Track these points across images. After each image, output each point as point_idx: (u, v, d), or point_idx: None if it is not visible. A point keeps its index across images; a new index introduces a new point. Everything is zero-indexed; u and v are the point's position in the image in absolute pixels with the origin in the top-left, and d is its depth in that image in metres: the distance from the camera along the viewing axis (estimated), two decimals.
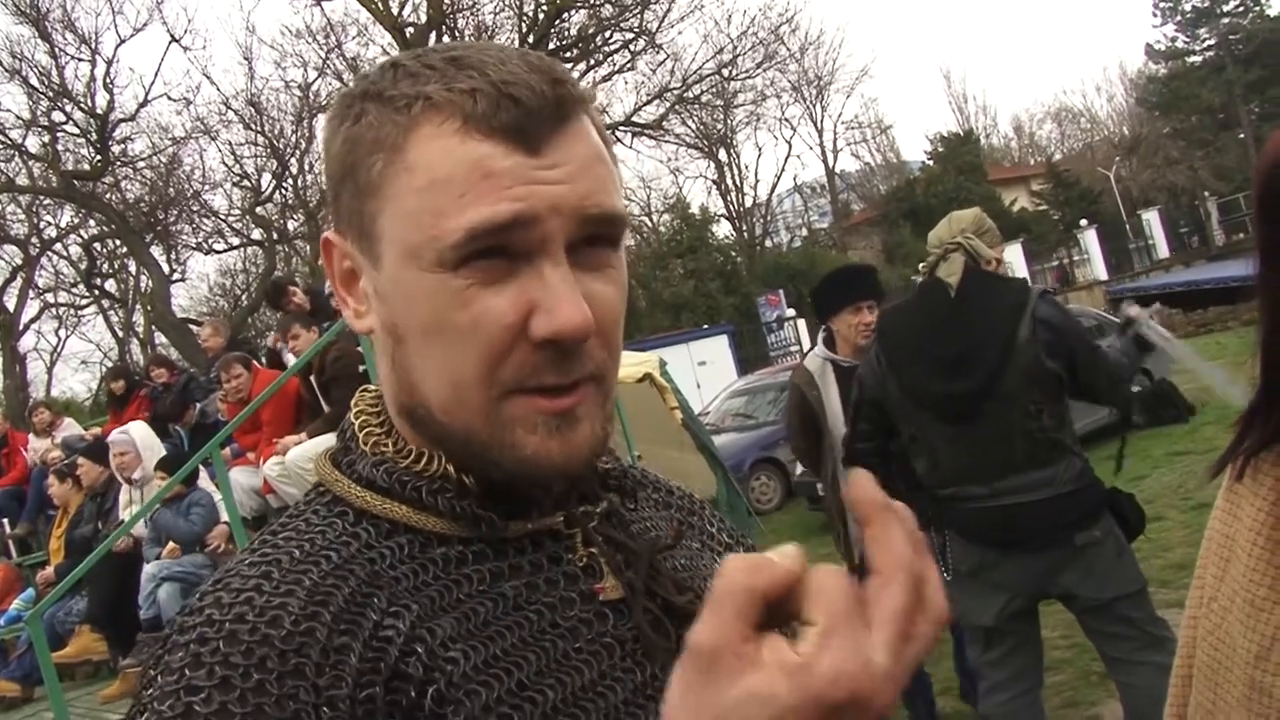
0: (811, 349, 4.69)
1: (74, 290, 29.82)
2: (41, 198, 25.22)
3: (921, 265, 3.33)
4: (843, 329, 4.28)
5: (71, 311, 31.43)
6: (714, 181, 38.99)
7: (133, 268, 28.62)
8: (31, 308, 29.78)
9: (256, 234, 27.43)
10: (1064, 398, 3.12)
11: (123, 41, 24.12)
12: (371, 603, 0.71)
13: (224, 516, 6.03)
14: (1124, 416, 3.45)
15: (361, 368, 5.79)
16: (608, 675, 0.75)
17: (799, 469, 11.49)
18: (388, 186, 0.72)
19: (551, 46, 23.10)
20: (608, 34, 24.62)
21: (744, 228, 38.88)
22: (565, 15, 23.51)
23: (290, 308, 7.33)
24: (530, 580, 0.77)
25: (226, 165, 26.18)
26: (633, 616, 0.78)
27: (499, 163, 0.70)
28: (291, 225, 28.04)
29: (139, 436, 6.59)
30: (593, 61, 24.69)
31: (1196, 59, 42.02)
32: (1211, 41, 41.32)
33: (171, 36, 24.33)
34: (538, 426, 0.73)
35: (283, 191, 27.18)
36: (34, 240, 27.04)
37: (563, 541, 0.80)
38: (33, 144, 23.68)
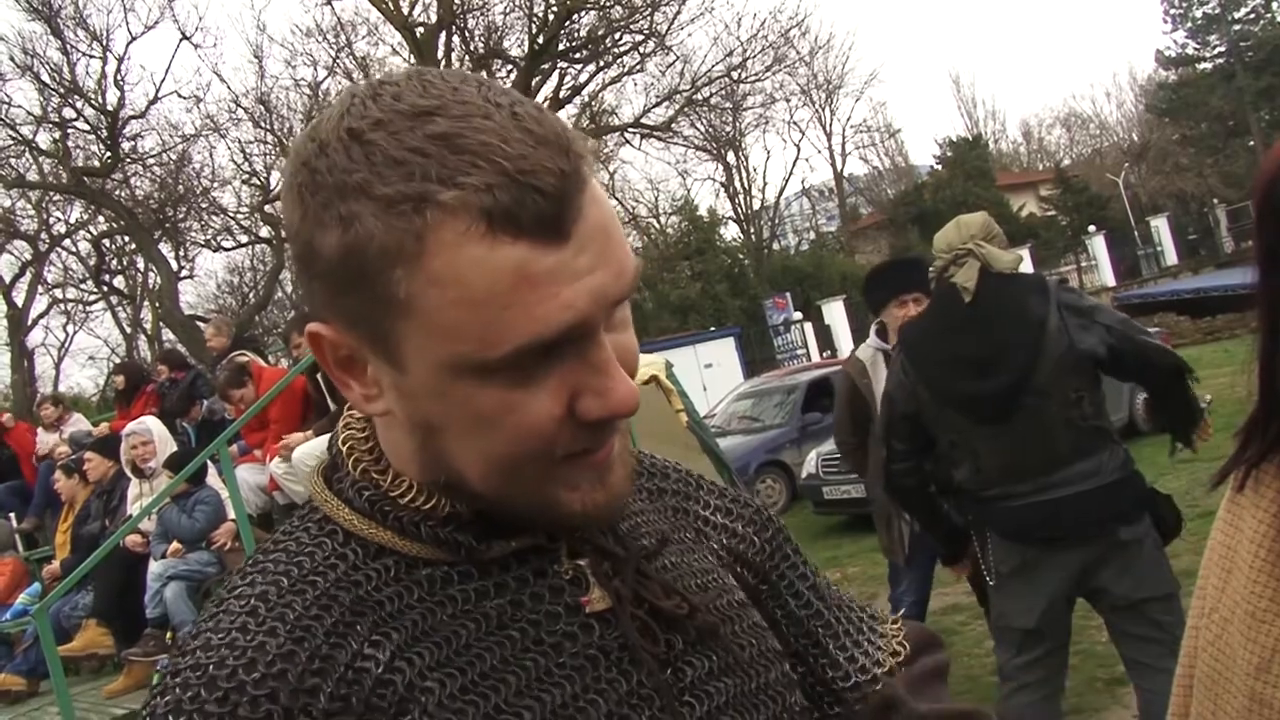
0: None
1: (82, 286, 30.03)
2: (51, 194, 25.33)
3: (930, 271, 3.32)
4: (890, 322, 4.27)
5: (80, 307, 31.65)
6: (722, 184, 39.05)
7: (141, 264, 28.72)
8: (40, 303, 30.01)
9: (265, 232, 27.48)
10: (1100, 385, 3.10)
11: (134, 39, 24.23)
12: (354, 631, 0.72)
13: (230, 514, 6.04)
14: (1178, 402, 3.19)
15: None
16: (591, 688, 0.75)
17: (805, 472, 11.49)
18: (414, 302, 0.66)
19: (561, 48, 23.13)
20: (617, 35, 24.61)
21: (752, 230, 38.88)
22: (575, 16, 23.50)
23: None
24: (515, 598, 0.77)
25: (235, 163, 26.35)
26: (620, 625, 0.78)
27: (538, 265, 0.65)
28: None
29: (156, 428, 6.63)
30: (602, 63, 24.71)
31: (1207, 66, 41.90)
32: (1222, 48, 41.20)
33: (182, 34, 24.45)
34: (581, 483, 0.74)
35: None
36: (43, 236, 27.16)
37: (548, 555, 0.80)
38: (43, 140, 23.81)
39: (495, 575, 0.78)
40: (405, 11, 22.57)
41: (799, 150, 58.57)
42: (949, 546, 3.61)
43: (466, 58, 22.96)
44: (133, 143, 24.40)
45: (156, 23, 24.66)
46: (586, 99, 26.13)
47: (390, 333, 0.69)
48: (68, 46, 22.99)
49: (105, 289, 29.60)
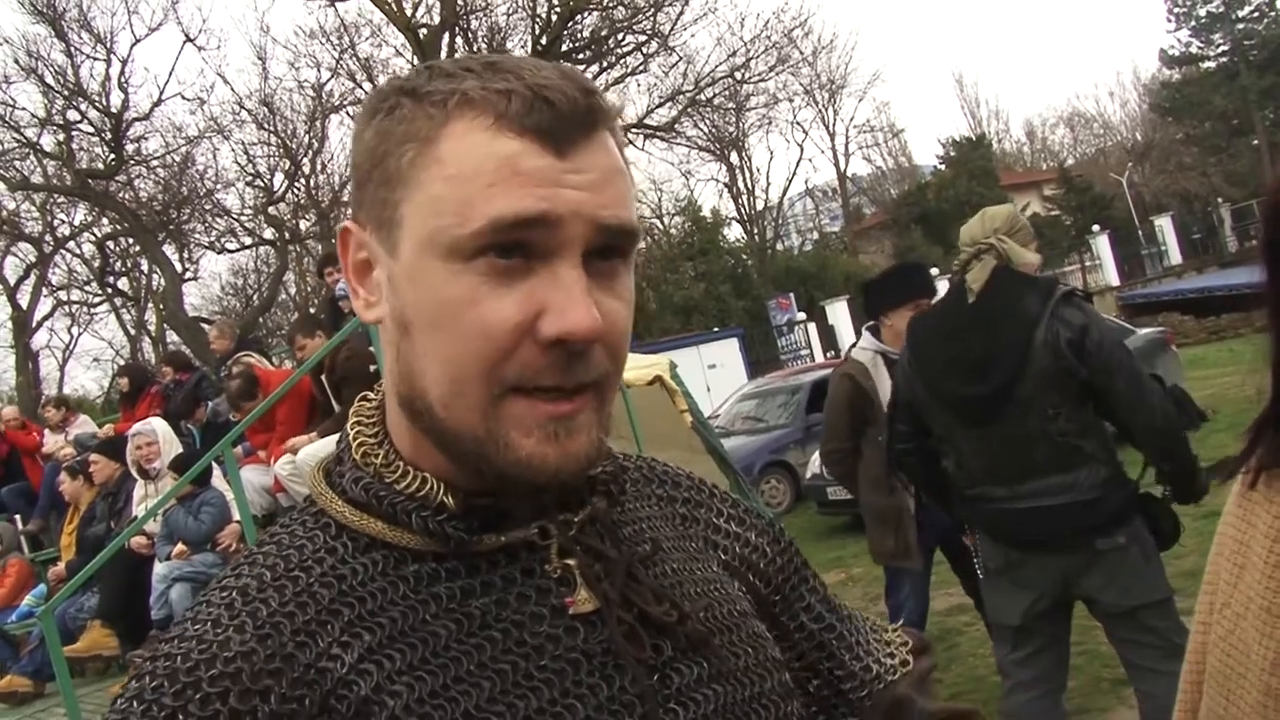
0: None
1: (87, 288, 30.02)
2: (56, 196, 25.37)
3: (955, 263, 3.31)
4: (900, 324, 4.31)
5: (84, 309, 31.67)
6: (725, 184, 39.02)
7: (145, 266, 28.76)
8: (44, 305, 30.01)
9: (268, 233, 27.52)
10: (1086, 402, 3.04)
11: (138, 41, 24.46)
12: (325, 630, 0.73)
13: (236, 515, 6.05)
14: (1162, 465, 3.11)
15: (372, 367, 5.80)
16: (570, 692, 0.75)
17: (809, 472, 11.48)
18: (416, 176, 0.73)
19: (564, 48, 23.13)
20: (620, 36, 24.64)
21: (755, 231, 38.85)
22: (578, 17, 23.52)
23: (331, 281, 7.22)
24: (501, 597, 0.77)
25: (239, 165, 26.36)
26: (606, 628, 0.78)
27: (528, 161, 0.71)
28: (303, 225, 28.13)
29: (161, 430, 6.64)
30: (605, 64, 24.72)
31: (1210, 64, 41.80)
32: (1226, 47, 41.11)
33: (186, 36, 24.55)
34: (534, 429, 0.73)
35: (295, 191, 27.28)
36: (48, 238, 27.21)
37: (538, 553, 0.79)
38: (47, 142, 23.87)
39: (483, 573, 0.78)
40: (408, 13, 22.59)
41: (802, 150, 58.71)
42: (958, 517, 3.63)
43: None
44: (136, 145, 24.48)
45: (160, 25, 24.69)
46: None
47: (393, 213, 0.75)
48: (72, 49, 23.09)
49: (109, 291, 29.62)
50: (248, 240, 28.37)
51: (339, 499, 0.80)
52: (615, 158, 0.75)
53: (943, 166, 41.10)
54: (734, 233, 38.38)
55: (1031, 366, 2.99)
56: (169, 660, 0.70)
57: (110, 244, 27.24)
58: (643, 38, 24.77)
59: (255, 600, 0.74)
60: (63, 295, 30.41)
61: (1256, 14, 40.80)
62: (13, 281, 28.50)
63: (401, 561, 0.77)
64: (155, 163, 24.90)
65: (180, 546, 6.04)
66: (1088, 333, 2.98)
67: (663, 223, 37.07)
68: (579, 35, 24.17)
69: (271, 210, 26.52)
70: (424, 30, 22.51)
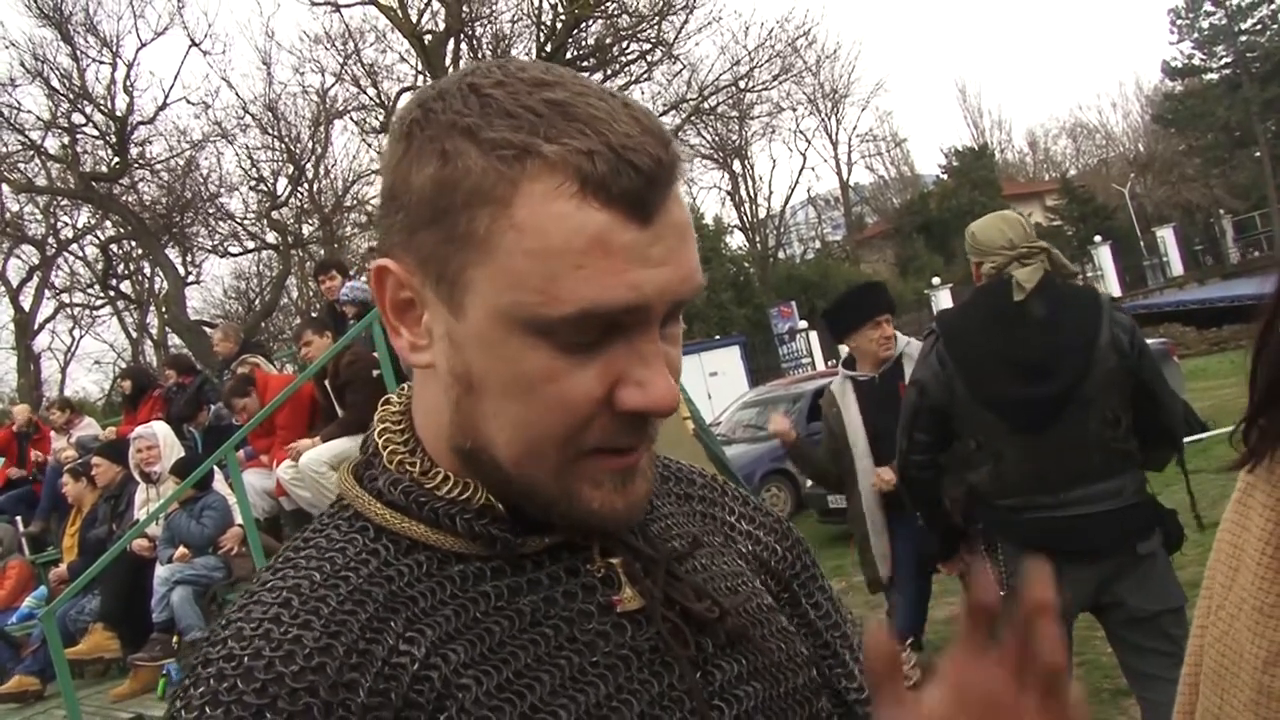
0: (830, 362, 4.81)
1: (89, 291, 30.05)
2: (59, 198, 25.43)
3: (988, 266, 3.23)
4: (863, 344, 4.36)
5: (86, 312, 31.69)
6: (728, 193, 39.13)
7: (148, 269, 28.80)
8: (47, 307, 30.06)
9: (271, 237, 27.57)
10: (1133, 406, 3.05)
11: (143, 45, 24.22)
12: (389, 627, 0.72)
13: (238, 519, 6.06)
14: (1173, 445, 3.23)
15: (375, 372, 5.82)
16: (624, 688, 0.75)
17: (809, 481, 11.50)
18: (491, 242, 0.69)
19: (569, 56, 23.18)
20: (625, 44, 24.70)
21: (757, 239, 38.93)
22: (583, 25, 23.58)
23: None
24: (548, 595, 0.77)
25: (243, 169, 26.40)
26: (652, 626, 0.78)
27: (617, 237, 0.68)
28: (306, 230, 28.18)
29: (163, 433, 6.66)
30: (609, 72, 24.74)
31: (1213, 76, 41.90)
32: (1229, 59, 41.19)
33: (191, 41, 24.50)
34: (604, 482, 0.74)
35: (298, 196, 27.32)
36: (51, 240, 27.27)
37: (580, 553, 0.80)
38: (52, 145, 23.91)
39: (528, 572, 0.78)
40: (413, 19, 22.65)
41: (805, 159, 58.77)
42: (946, 544, 3.59)
43: None
44: (141, 148, 24.53)
45: (166, 29, 24.68)
46: None
47: (459, 273, 0.71)
48: (78, 52, 23.12)
49: (112, 294, 29.64)
50: (251, 244, 28.42)
51: (376, 501, 0.80)
52: (685, 210, 0.74)
53: (945, 176, 41.19)
54: (736, 241, 38.53)
55: (1097, 367, 2.97)
56: (236, 661, 0.68)
57: (113, 247, 27.26)
58: (647, 46, 24.84)
59: (311, 600, 0.72)
60: (65, 298, 30.50)
61: (1259, 26, 40.91)
62: (15, 283, 28.59)
63: (445, 562, 0.77)
64: (159, 166, 24.98)
65: (182, 550, 6.04)
66: (1135, 333, 3.05)
67: None
68: (584, 43, 24.22)
69: (274, 214, 26.55)
70: (429, 36, 22.58)
